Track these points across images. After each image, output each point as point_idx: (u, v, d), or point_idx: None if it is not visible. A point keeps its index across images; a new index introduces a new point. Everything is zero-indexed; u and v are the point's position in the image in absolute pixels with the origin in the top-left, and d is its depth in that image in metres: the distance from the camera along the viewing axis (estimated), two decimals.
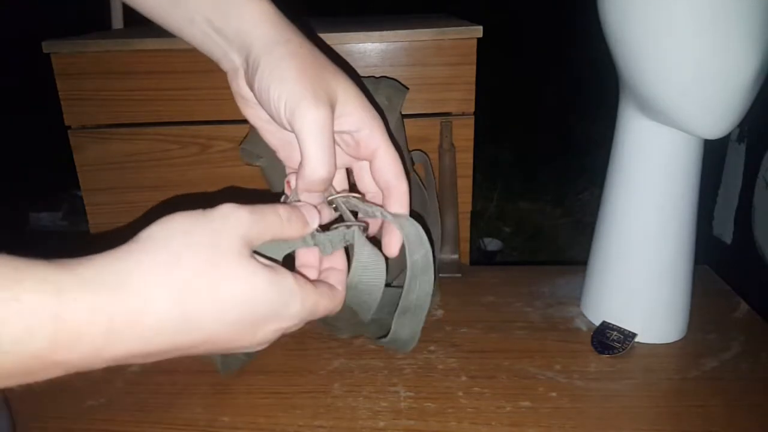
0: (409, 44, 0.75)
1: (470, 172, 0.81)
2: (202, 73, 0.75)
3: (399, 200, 0.37)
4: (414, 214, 0.38)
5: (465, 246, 0.82)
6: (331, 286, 0.35)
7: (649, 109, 0.55)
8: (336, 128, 0.35)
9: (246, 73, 0.36)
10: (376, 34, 0.75)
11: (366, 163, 0.38)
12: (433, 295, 0.68)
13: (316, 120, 0.33)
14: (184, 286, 0.27)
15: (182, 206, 0.30)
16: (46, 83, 0.77)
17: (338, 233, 0.36)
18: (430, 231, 0.69)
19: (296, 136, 0.33)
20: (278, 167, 0.61)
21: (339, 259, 0.37)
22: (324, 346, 0.62)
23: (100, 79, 0.76)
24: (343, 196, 0.38)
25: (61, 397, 0.55)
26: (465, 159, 0.79)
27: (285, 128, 0.34)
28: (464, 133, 0.78)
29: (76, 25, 0.92)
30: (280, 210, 0.32)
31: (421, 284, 0.39)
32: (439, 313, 0.68)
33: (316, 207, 0.35)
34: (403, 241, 0.37)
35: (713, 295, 0.71)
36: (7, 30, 1.97)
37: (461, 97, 0.77)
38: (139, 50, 0.75)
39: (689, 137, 0.55)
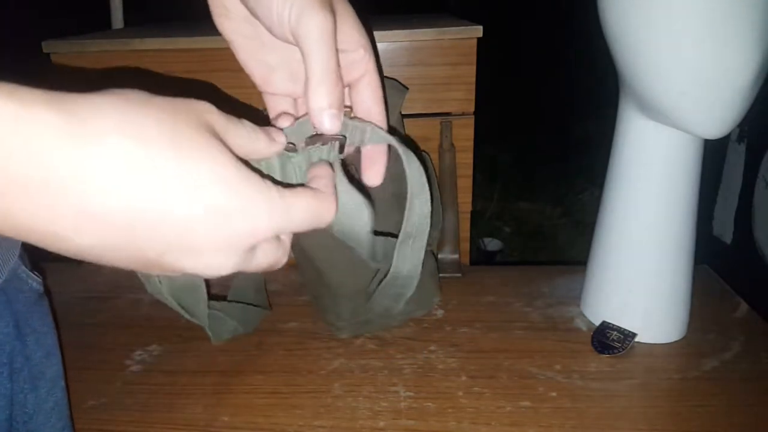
0: (409, 44, 0.75)
1: (470, 172, 0.81)
2: (202, 73, 0.75)
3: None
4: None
5: (465, 246, 0.82)
6: (312, 189, 0.30)
7: (649, 109, 0.55)
8: None
9: None
10: (376, 34, 0.75)
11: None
12: (433, 295, 0.69)
13: (324, 24, 0.30)
14: (140, 142, 0.23)
15: None
16: (46, 83, 0.77)
17: (317, 150, 0.33)
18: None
19: (300, 43, 0.31)
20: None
21: (322, 168, 0.33)
22: (324, 346, 0.62)
23: (100, 79, 0.76)
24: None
25: None
26: (465, 159, 0.79)
27: (284, 38, 0.32)
28: (464, 133, 0.78)
29: (76, 25, 0.92)
30: (245, 121, 0.29)
31: (420, 205, 0.37)
32: (439, 313, 0.68)
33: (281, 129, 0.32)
34: (400, 154, 0.35)
35: (713, 295, 0.71)
36: (7, 30, 1.96)
37: (461, 97, 0.77)
38: (139, 50, 0.75)
39: (689, 137, 0.55)
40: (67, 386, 0.48)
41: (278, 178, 0.32)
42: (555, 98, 2.67)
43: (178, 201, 0.24)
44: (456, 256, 0.77)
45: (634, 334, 0.61)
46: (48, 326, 0.46)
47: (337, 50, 0.31)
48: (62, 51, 0.75)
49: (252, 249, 0.27)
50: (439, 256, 0.77)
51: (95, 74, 0.75)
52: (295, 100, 0.37)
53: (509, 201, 2.20)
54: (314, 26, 0.30)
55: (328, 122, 0.32)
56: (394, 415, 0.52)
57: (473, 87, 0.77)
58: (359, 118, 0.36)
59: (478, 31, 0.74)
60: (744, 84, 0.48)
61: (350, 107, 0.36)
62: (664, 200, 0.58)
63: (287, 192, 0.28)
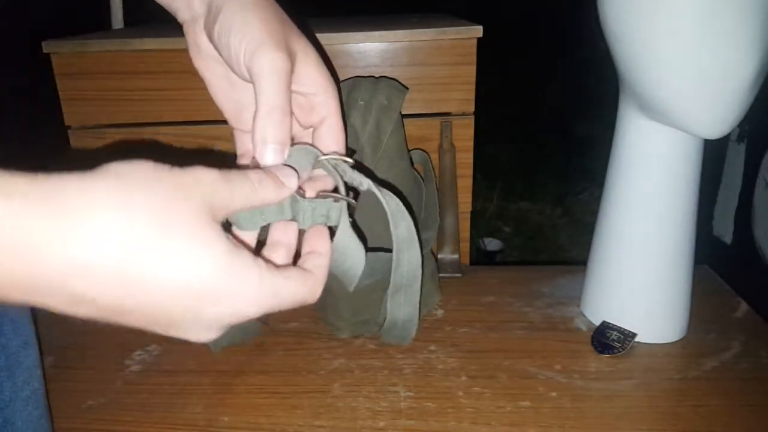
0: (409, 44, 0.75)
1: (470, 172, 0.81)
2: None
3: None
4: (395, 192, 0.37)
5: (465, 246, 0.82)
6: (303, 271, 0.31)
7: (649, 109, 0.55)
8: (293, 87, 0.34)
9: (206, 19, 0.35)
10: (376, 34, 0.75)
11: (309, 131, 0.37)
12: (433, 295, 0.69)
13: (275, 62, 0.32)
14: (128, 232, 0.24)
15: None
16: (46, 83, 0.77)
17: (324, 203, 0.33)
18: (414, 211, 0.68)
19: (253, 80, 0.32)
20: None
21: (321, 241, 0.33)
22: (324, 346, 0.62)
23: (100, 79, 0.76)
24: (333, 158, 0.35)
25: (61, 397, 0.55)
26: (465, 159, 0.79)
27: (242, 75, 0.33)
28: (464, 133, 0.78)
29: (76, 25, 0.92)
30: (251, 173, 0.30)
31: (408, 258, 0.38)
32: (439, 313, 0.68)
33: (294, 168, 0.32)
34: (388, 215, 0.36)
35: (713, 295, 0.71)
36: (7, 30, 1.96)
37: (461, 97, 0.77)
38: (139, 50, 0.75)
39: (689, 137, 0.55)
40: (45, 376, 0.47)
41: (287, 217, 0.33)
42: (555, 98, 2.66)
43: (165, 285, 0.25)
44: (456, 256, 0.77)
45: (634, 334, 0.61)
46: (25, 316, 0.46)
47: (289, 89, 0.32)
48: (62, 51, 0.75)
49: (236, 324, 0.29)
50: (439, 256, 0.77)
51: (95, 74, 0.76)
52: None
53: (509, 201, 2.20)
54: (266, 64, 0.31)
55: (270, 156, 0.32)
56: (394, 415, 0.52)
57: (473, 87, 0.77)
58: (357, 171, 0.36)
59: (478, 31, 0.74)
60: (744, 84, 0.48)
61: (353, 160, 0.36)
62: (664, 200, 0.58)
63: (278, 274, 0.29)
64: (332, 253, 0.34)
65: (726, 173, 1.08)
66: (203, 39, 0.36)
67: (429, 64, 0.75)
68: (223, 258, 0.26)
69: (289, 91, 0.33)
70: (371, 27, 0.77)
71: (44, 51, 0.74)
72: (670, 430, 0.51)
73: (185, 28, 0.37)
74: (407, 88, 0.65)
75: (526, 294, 0.72)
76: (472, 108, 0.78)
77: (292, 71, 0.33)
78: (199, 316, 0.27)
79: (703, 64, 0.48)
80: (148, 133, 0.78)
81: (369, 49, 0.76)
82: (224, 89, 0.37)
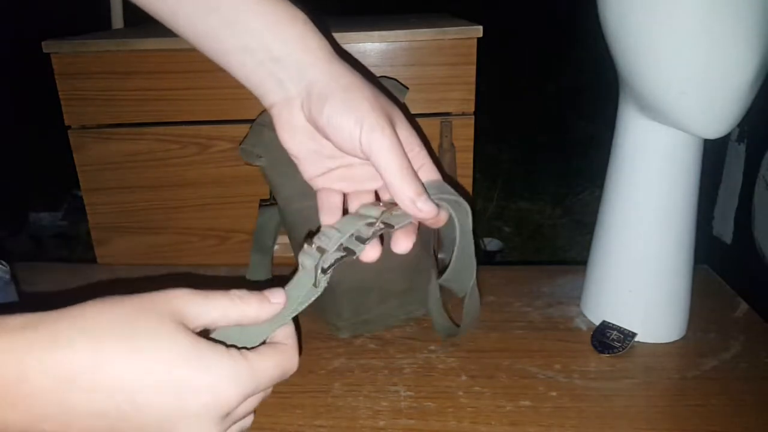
0: (409, 44, 0.75)
1: (470, 172, 0.81)
2: (202, 73, 0.75)
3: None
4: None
5: None
6: (275, 345, 0.34)
7: (649, 109, 0.55)
8: None
9: (306, 102, 0.37)
10: (376, 34, 0.75)
11: None
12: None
13: (391, 140, 0.36)
14: (101, 351, 0.28)
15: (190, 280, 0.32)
16: (46, 83, 0.77)
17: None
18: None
19: (374, 158, 0.36)
20: (278, 167, 0.61)
21: (285, 330, 0.36)
22: (324, 346, 0.62)
23: (100, 79, 0.76)
24: (381, 209, 0.39)
25: None
26: (465, 159, 0.79)
27: (353, 151, 0.37)
28: (464, 133, 0.78)
29: (76, 25, 0.92)
30: (233, 291, 0.33)
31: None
32: None
33: (283, 290, 0.36)
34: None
35: (713, 295, 0.71)
36: (7, 30, 1.96)
37: (461, 97, 0.77)
38: (139, 50, 0.75)
39: (689, 137, 0.55)
40: None
41: (310, 279, 0.37)
42: (555, 98, 2.67)
43: (144, 383, 0.28)
44: None
45: (634, 334, 0.61)
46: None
47: (405, 153, 0.37)
48: (62, 51, 0.75)
49: (227, 414, 0.31)
50: (439, 256, 0.77)
51: (95, 74, 0.76)
52: (344, 194, 0.42)
53: (509, 201, 2.20)
54: (385, 142, 0.36)
55: (423, 205, 0.36)
56: (394, 414, 0.52)
57: (473, 87, 0.77)
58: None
59: (478, 31, 0.74)
60: (743, 84, 0.48)
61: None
62: (664, 200, 0.58)
63: (252, 355, 0.32)
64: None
65: (726, 173, 1.08)
66: (300, 119, 0.38)
67: (429, 64, 0.75)
68: (192, 349, 0.29)
69: (406, 156, 0.37)
70: (371, 27, 0.77)
71: (44, 51, 0.75)
72: (669, 430, 0.51)
73: (275, 110, 0.39)
74: (407, 88, 0.66)
75: (526, 294, 0.72)
76: (472, 108, 0.78)
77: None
78: (186, 411, 0.29)
79: (702, 64, 0.48)
80: (148, 133, 0.79)
81: (369, 49, 0.76)
82: (315, 159, 0.40)
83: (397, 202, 0.36)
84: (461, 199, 0.41)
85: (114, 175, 0.80)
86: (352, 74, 0.38)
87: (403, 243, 0.39)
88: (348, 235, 0.37)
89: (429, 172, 0.40)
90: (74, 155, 0.80)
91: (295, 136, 0.39)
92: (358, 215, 0.39)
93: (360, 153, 0.36)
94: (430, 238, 0.70)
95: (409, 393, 0.55)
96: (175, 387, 0.28)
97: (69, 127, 0.79)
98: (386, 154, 0.36)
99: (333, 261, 0.37)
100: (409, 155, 0.38)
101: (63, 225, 1.97)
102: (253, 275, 0.70)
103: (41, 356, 0.27)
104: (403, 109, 0.40)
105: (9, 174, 1.87)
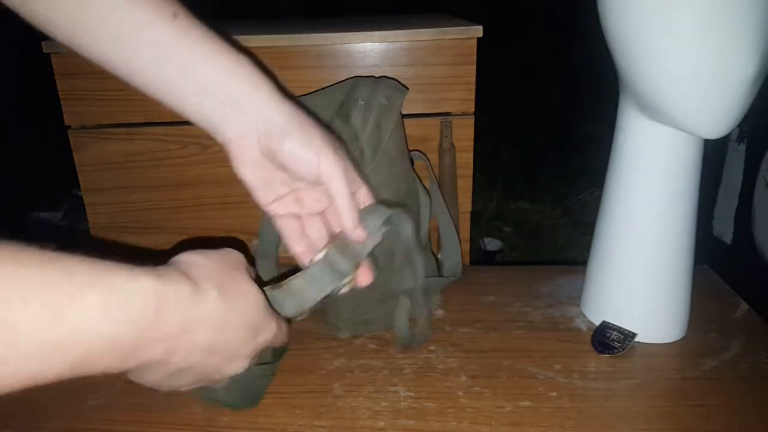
0: (409, 44, 0.75)
1: (470, 172, 0.81)
2: None
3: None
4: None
5: (465, 246, 0.82)
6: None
7: (649, 109, 0.55)
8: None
9: (264, 138, 0.43)
10: (376, 34, 0.75)
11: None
12: (434, 294, 0.69)
13: (344, 173, 0.44)
14: (221, 291, 0.36)
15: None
16: (46, 83, 0.77)
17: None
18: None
19: (328, 180, 0.44)
20: None
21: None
22: (324, 346, 0.62)
23: (100, 79, 0.76)
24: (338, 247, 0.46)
25: (61, 397, 0.55)
26: (465, 159, 0.79)
27: (310, 179, 0.44)
28: (464, 133, 0.78)
29: None
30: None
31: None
32: (439, 313, 0.68)
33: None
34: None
35: (713, 295, 0.71)
36: (7, 30, 1.96)
37: (461, 97, 0.77)
38: None
39: (689, 137, 0.55)
40: None
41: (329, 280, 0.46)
42: (555, 98, 2.66)
43: (238, 327, 0.38)
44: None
45: (634, 334, 0.61)
46: None
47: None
48: (62, 51, 0.74)
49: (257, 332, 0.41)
50: (439, 256, 0.77)
51: (95, 74, 0.75)
52: (299, 217, 0.49)
53: (509, 201, 2.20)
54: (338, 174, 0.44)
55: (361, 233, 0.46)
56: (394, 414, 0.52)
57: (473, 87, 0.77)
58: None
59: (478, 31, 0.74)
60: (744, 84, 0.48)
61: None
62: (664, 200, 0.58)
63: (279, 320, 0.42)
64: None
65: (726, 173, 1.08)
66: (255, 152, 0.44)
67: (429, 64, 0.75)
68: (265, 307, 0.40)
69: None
70: (371, 27, 0.77)
71: (44, 51, 0.74)
72: (669, 430, 0.51)
73: (232, 144, 0.44)
74: (407, 88, 0.65)
75: (526, 294, 0.72)
76: (472, 108, 0.78)
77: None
78: (253, 343, 0.40)
79: (703, 64, 0.48)
80: (148, 133, 0.79)
81: (369, 49, 0.76)
82: (267, 186, 0.46)
83: (343, 224, 0.45)
84: (397, 210, 0.49)
85: (114, 175, 0.80)
86: (301, 113, 0.44)
87: (365, 279, 0.48)
88: (324, 296, 0.46)
89: (365, 195, 0.48)
90: (74, 155, 0.80)
91: (250, 167, 0.44)
92: (333, 270, 0.46)
93: (315, 179, 0.44)
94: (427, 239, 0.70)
95: (409, 393, 0.55)
96: (252, 328, 0.39)
97: (69, 127, 0.79)
98: (339, 182, 0.44)
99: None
100: (350, 179, 0.45)
101: (63, 225, 1.97)
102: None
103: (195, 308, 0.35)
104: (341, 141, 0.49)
105: (9, 174, 1.87)
